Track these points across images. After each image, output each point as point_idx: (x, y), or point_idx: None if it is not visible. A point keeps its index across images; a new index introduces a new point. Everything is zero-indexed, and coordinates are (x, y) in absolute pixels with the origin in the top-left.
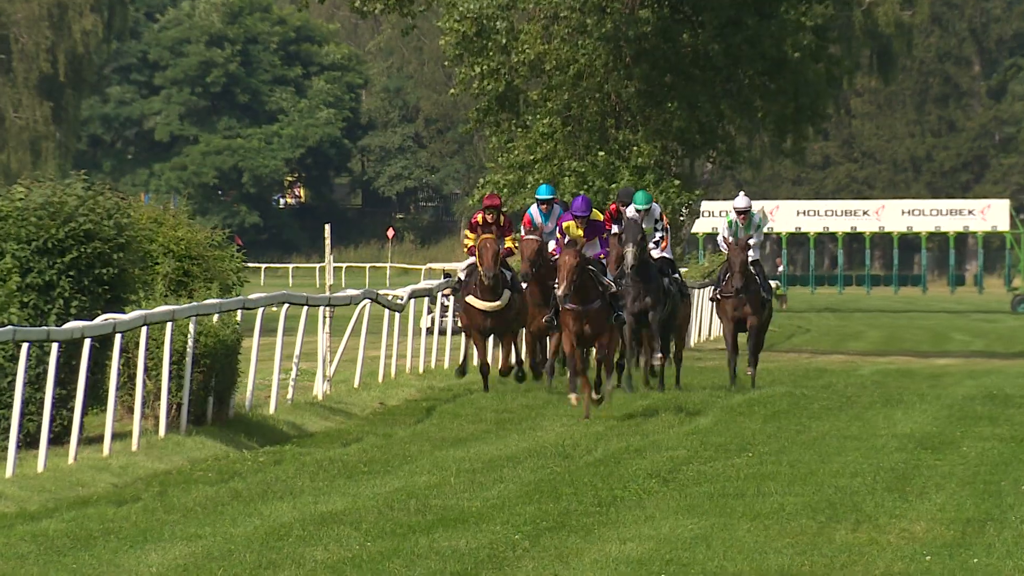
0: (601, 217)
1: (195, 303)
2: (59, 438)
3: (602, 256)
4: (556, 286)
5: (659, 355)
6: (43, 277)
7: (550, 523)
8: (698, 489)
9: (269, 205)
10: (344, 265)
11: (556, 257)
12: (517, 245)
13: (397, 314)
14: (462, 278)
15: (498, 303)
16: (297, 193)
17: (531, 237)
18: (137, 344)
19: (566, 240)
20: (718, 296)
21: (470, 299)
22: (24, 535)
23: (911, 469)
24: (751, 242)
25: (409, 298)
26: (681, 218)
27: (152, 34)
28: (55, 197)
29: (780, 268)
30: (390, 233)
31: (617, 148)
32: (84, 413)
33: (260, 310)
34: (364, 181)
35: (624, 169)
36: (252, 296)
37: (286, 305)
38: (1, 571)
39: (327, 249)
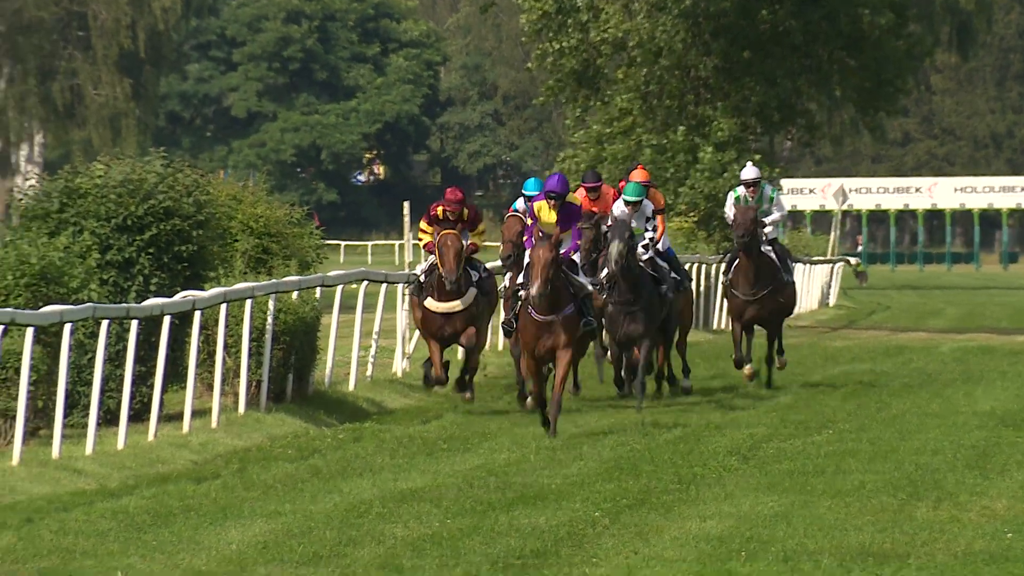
0: (578, 200)
1: (274, 280)
2: (139, 415)
3: (573, 253)
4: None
5: (645, 362)
6: (123, 254)
7: (630, 500)
8: (778, 467)
9: (347, 182)
10: (417, 242)
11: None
12: (484, 241)
13: None
14: (421, 280)
15: (458, 303)
16: (376, 170)
17: (515, 215)
18: (216, 321)
19: (540, 234)
20: (727, 281)
21: (428, 302)
22: (104, 512)
23: (992, 447)
24: (768, 219)
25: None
26: None
27: (230, 11)
28: (134, 174)
29: (860, 246)
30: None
31: (696, 124)
32: (164, 390)
33: (339, 287)
34: (443, 159)
35: (705, 145)
36: (331, 273)
37: (365, 282)
38: (82, 548)
39: (406, 227)
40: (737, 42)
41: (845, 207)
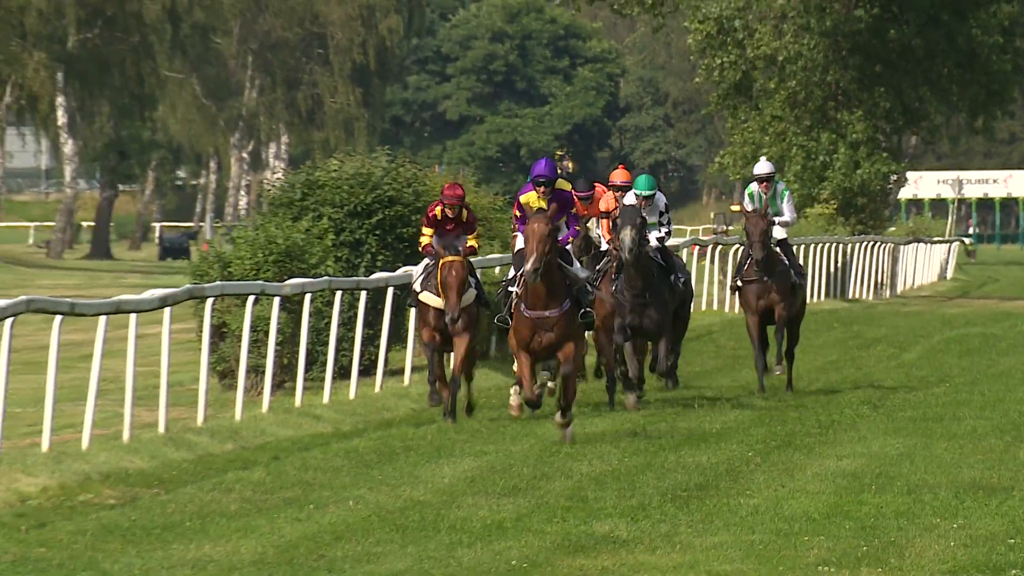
0: (568, 187)
1: (480, 257)
2: (367, 370)
3: (571, 239)
4: (520, 273)
5: (667, 354)
6: (354, 236)
7: (778, 442)
8: (903, 414)
9: None
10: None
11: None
12: (479, 244)
13: None
14: (417, 287)
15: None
16: (566, 165)
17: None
18: None
19: (535, 209)
20: (738, 283)
21: (425, 295)
22: (338, 451)
23: None
24: (781, 219)
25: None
26: (889, 185)
27: (445, 31)
28: (364, 168)
29: (972, 228)
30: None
31: (836, 127)
32: (388, 349)
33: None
34: (622, 155)
35: (842, 144)
36: None
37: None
38: (320, 481)
39: None
40: (870, 58)
41: (959, 195)
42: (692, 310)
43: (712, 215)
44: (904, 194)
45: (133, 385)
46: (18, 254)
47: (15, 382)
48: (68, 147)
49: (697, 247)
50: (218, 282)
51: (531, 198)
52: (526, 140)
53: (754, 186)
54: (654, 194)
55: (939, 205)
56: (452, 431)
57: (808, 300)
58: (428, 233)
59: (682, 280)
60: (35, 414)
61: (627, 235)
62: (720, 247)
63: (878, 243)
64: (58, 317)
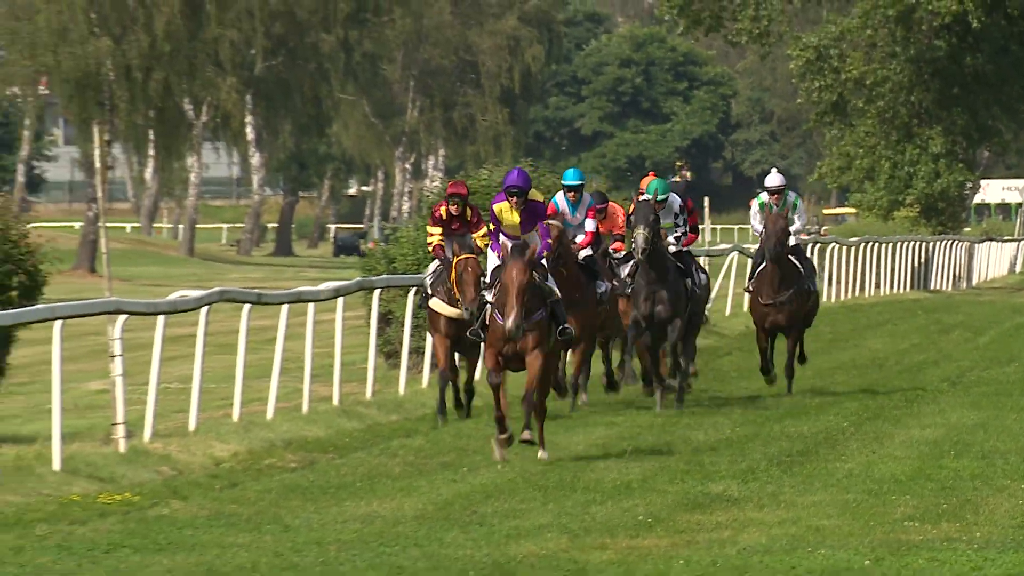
0: (541, 197)
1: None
2: None
3: (545, 254)
4: (497, 309)
5: (692, 368)
6: None
7: (869, 414)
8: (977, 390)
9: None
10: (719, 227)
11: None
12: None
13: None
14: (428, 287)
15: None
16: (685, 174)
17: (553, 222)
18: None
19: (511, 245)
20: (750, 288)
21: (434, 303)
22: (488, 422)
23: None
24: (792, 227)
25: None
26: (965, 192)
27: (580, 59)
28: None
29: None
30: (751, 203)
31: (919, 142)
32: None
33: None
34: (733, 165)
35: (925, 157)
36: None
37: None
38: (472, 447)
39: (706, 215)
40: (948, 81)
41: (804, 223)
42: None
43: (810, 218)
44: (977, 199)
45: (311, 364)
46: (213, 251)
47: (210, 361)
48: (255, 159)
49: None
50: (384, 275)
51: (504, 207)
52: (650, 153)
53: (764, 196)
54: (667, 197)
55: (1003, 209)
56: (587, 411)
57: (894, 291)
58: (436, 232)
59: (700, 284)
60: (227, 389)
61: (640, 234)
62: (817, 244)
63: (956, 242)
64: (247, 306)
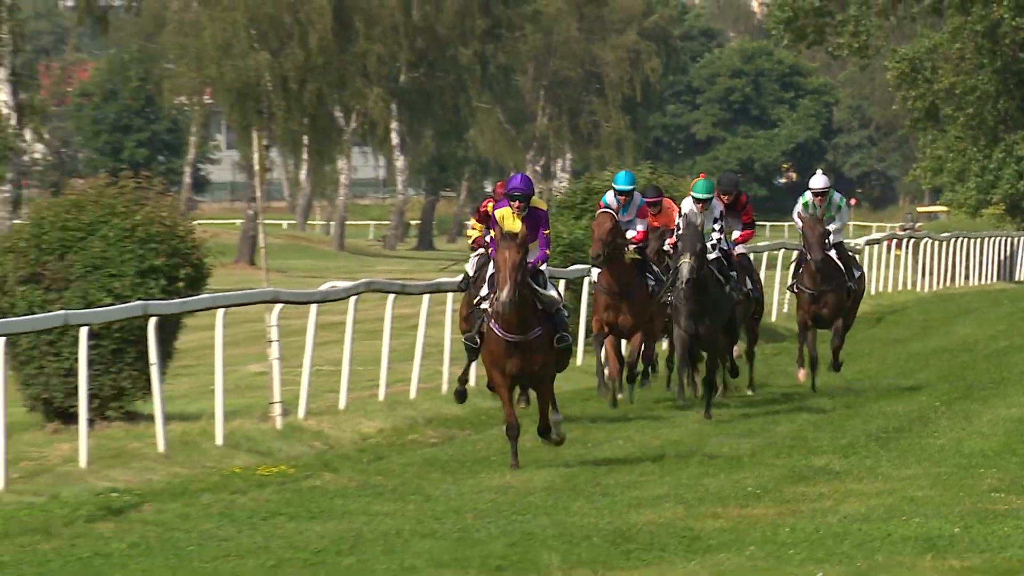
0: (544, 206)
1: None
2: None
3: (541, 264)
4: (492, 295)
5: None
6: None
7: (958, 395)
8: None
9: (772, 183)
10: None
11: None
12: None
13: (854, 255)
14: (470, 276)
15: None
16: (790, 176)
17: (605, 212)
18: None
19: (502, 233)
20: (795, 288)
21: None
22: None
23: None
24: (832, 227)
25: (864, 245)
26: None
27: (695, 70)
28: None
29: None
30: (853, 201)
31: (1005, 146)
32: None
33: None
34: (835, 168)
35: (1010, 159)
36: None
37: (781, 250)
38: (596, 424)
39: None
40: None
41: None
42: (870, 292)
43: (904, 215)
44: None
45: (449, 349)
46: (361, 246)
47: (358, 346)
48: (399, 162)
49: (893, 240)
50: None
51: (506, 213)
52: (759, 156)
53: (808, 196)
54: (710, 198)
55: None
56: (624, 405)
57: (982, 282)
58: (478, 228)
59: (748, 291)
60: (373, 371)
61: (686, 264)
62: (912, 240)
63: None
64: (391, 295)
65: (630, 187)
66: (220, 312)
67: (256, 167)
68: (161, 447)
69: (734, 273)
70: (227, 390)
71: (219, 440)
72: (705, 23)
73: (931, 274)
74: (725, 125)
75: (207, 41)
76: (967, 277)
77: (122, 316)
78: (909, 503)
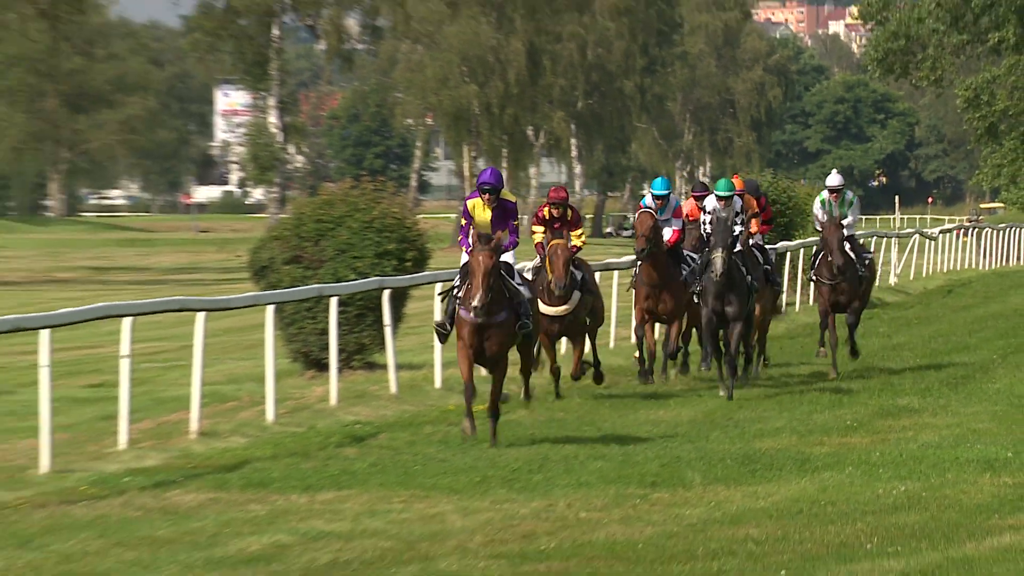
0: (513, 198)
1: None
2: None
3: (511, 250)
4: (463, 295)
5: (762, 359)
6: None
7: (1012, 349)
8: None
9: (867, 186)
10: (904, 216)
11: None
12: (585, 241)
13: (931, 241)
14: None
15: (566, 307)
16: (882, 180)
17: (646, 211)
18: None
19: (478, 235)
20: (813, 277)
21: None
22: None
23: None
24: (844, 222)
25: (939, 233)
26: None
27: (808, 97)
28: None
29: None
30: (929, 200)
31: None
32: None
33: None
34: (916, 174)
35: None
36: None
37: (873, 237)
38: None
39: (897, 210)
40: None
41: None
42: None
43: (970, 210)
44: None
45: (616, 314)
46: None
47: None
48: (577, 169)
49: (961, 230)
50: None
51: (477, 204)
52: (857, 164)
53: (825, 194)
54: (732, 196)
55: None
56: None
57: None
58: (539, 231)
59: (775, 281)
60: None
61: (719, 257)
62: (976, 229)
63: None
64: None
65: (666, 192)
66: (438, 286)
67: (466, 173)
68: (393, 389)
69: (768, 267)
70: (444, 346)
71: (438, 384)
72: (816, 61)
73: (990, 256)
74: (830, 140)
75: (429, 76)
76: (1019, 258)
77: (363, 288)
78: (972, 433)
